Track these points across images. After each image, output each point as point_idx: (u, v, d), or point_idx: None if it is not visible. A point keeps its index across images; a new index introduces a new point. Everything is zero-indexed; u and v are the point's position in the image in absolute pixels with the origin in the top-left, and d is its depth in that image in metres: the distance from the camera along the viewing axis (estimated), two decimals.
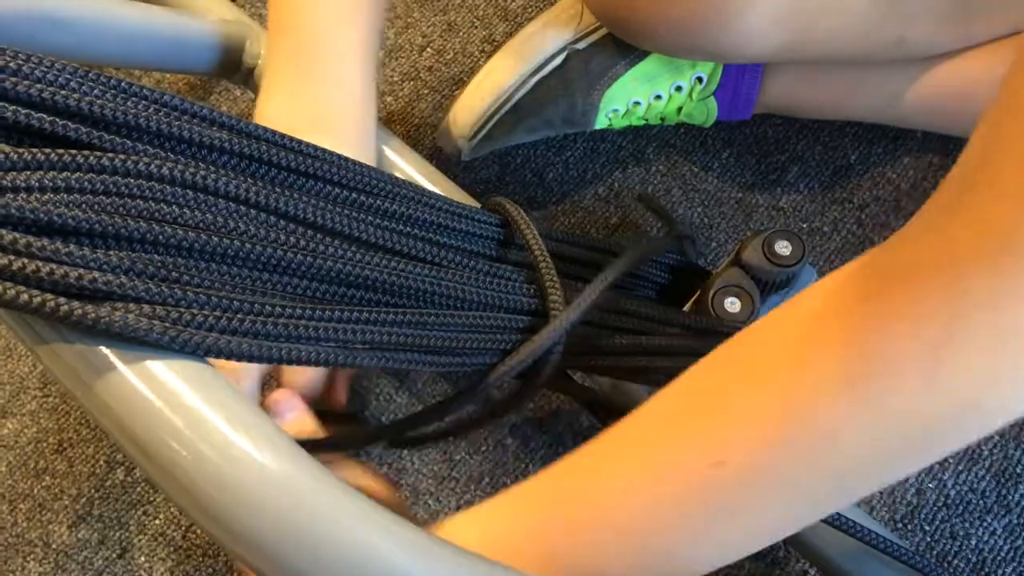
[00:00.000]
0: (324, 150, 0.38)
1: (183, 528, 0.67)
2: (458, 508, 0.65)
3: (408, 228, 0.40)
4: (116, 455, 0.69)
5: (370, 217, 0.38)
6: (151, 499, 0.68)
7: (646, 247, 0.51)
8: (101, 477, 0.69)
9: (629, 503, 0.35)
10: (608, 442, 0.37)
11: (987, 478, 0.63)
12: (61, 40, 0.52)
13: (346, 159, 0.39)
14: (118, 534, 0.67)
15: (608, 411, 0.54)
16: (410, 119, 0.80)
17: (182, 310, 0.29)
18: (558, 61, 0.66)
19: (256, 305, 0.31)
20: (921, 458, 0.33)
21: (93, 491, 0.68)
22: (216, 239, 0.31)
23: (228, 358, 0.29)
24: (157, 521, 0.67)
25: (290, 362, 0.31)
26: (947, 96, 0.63)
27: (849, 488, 0.34)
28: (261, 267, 0.33)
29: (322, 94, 0.48)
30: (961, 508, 0.62)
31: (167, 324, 0.28)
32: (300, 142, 0.37)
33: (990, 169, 0.29)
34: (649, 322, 0.49)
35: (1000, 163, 0.28)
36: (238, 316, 0.30)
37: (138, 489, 0.68)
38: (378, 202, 0.39)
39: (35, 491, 0.69)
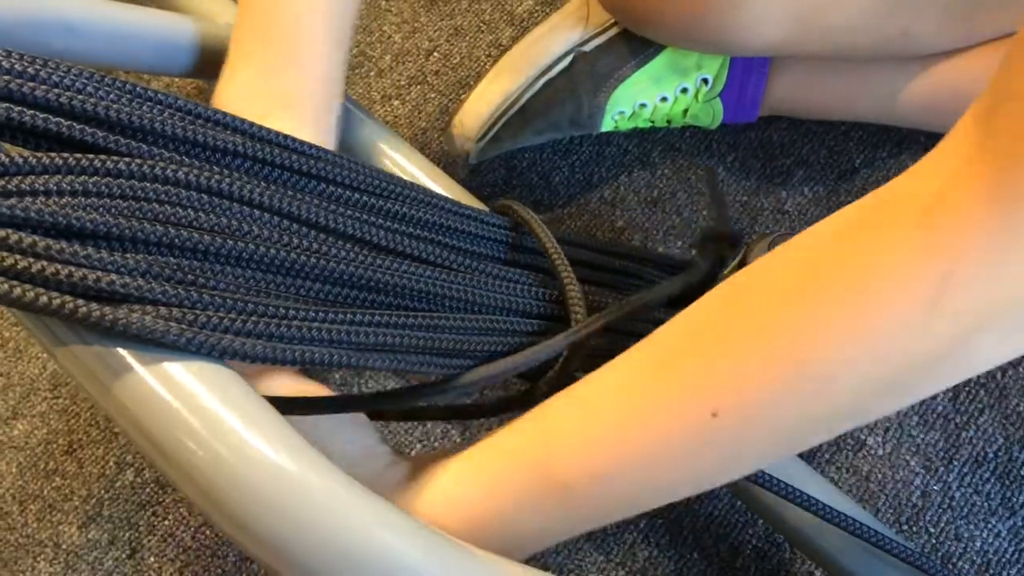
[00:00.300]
0: (334, 153, 0.38)
1: (192, 529, 0.67)
2: None
3: (418, 231, 0.40)
4: (126, 456, 0.70)
5: (380, 220, 0.39)
6: (160, 500, 0.68)
7: (694, 275, 0.51)
8: (111, 478, 0.69)
9: (615, 449, 0.35)
10: (599, 382, 0.37)
11: (992, 480, 0.63)
12: (71, 45, 0.52)
13: (355, 162, 0.39)
14: (128, 535, 0.67)
15: None
16: (417, 123, 0.80)
17: (198, 312, 0.29)
18: (564, 64, 0.66)
19: (270, 308, 0.32)
20: (902, 401, 0.34)
21: (103, 492, 0.69)
22: (231, 242, 0.32)
23: (243, 359, 0.30)
24: (167, 522, 0.68)
25: (303, 364, 0.32)
26: (951, 94, 0.64)
27: (835, 428, 0.34)
28: (275, 270, 0.33)
29: (290, 74, 0.48)
30: (966, 510, 0.63)
31: (184, 326, 0.28)
32: (311, 146, 0.38)
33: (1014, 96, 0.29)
34: (653, 325, 0.49)
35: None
36: (252, 318, 0.31)
37: (147, 490, 0.69)
38: (388, 204, 0.40)
39: (45, 492, 0.70)
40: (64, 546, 0.68)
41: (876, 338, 0.31)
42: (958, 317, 0.30)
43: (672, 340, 0.37)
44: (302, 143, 0.37)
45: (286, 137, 0.37)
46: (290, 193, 0.35)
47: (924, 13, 0.58)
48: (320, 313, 0.33)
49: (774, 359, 0.33)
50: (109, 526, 0.68)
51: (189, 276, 0.30)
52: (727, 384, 0.33)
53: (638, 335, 0.46)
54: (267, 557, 0.28)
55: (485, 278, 0.42)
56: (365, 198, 0.39)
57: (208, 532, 0.67)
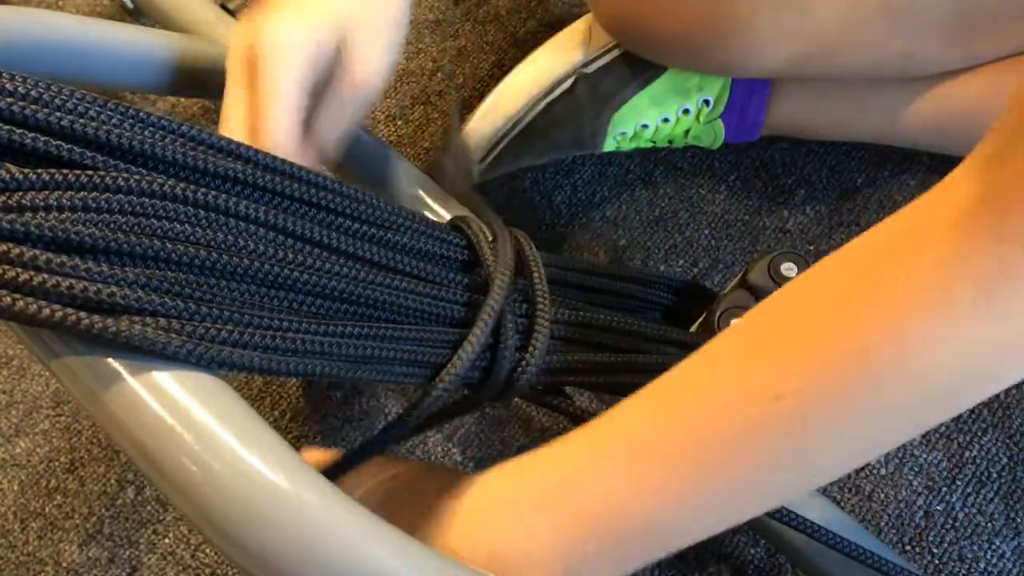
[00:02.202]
0: (335, 181, 0.39)
1: (192, 547, 0.67)
2: None
3: (413, 261, 0.41)
4: (127, 474, 0.70)
5: (375, 247, 0.39)
6: (161, 518, 0.68)
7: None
8: (112, 496, 0.69)
9: (680, 437, 0.35)
10: (658, 386, 0.37)
11: (995, 500, 0.63)
12: (76, 65, 0.53)
13: (355, 190, 0.39)
14: (128, 553, 0.67)
15: None
16: (420, 143, 0.80)
17: (196, 323, 0.29)
18: (567, 85, 0.67)
19: (266, 320, 0.32)
20: (952, 409, 0.34)
21: (104, 510, 0.69)
22: (227, 257, 0.32)
23: (240, 371, 0.30)
24: (167, 540, 0.67)
25: (299, 375, 0.32)
26: (953, 115, 0.64)
27: (892, 437, 0.34)
28: (270, 284, 0.34)
29: None
30: (969, 531, 0.62)
31: (184, 337, 0.29)
32: (312, 172, 0.38)
33: None
34: (643, 341, 0.50)
35: None
36: (249, 330, 0.31)
37: (148, 508, 0.69)
38: (385, 234, 0.40)
39: (46, 510, 0.70)
40: (64, 564, 0.68)
41: (922, 339, 0.32)
42: (1005, 324, 0.31)
43: (721, 345, 0.37)
44: (302, 169, 0.37)
45: (289, 164, 0.37)
46: (286, 212, 0.36)
47: (924, 36, 0.59)
48: (314, 326, 0.34)
49: (817, 371, 0.33)
50: (109, 544, 0.68)
51: (187, 290, 0.31)
52: (788, 381, 0.34)
53: (615, 349, 0.46)
54: (260, 573, 0.28)
55: (469, 296, 0.42)
56: (364, 227, 0.39)
57: (208, 551, 0.67)
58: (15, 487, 0.71)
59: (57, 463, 0.71)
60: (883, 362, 0.32)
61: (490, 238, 0.45)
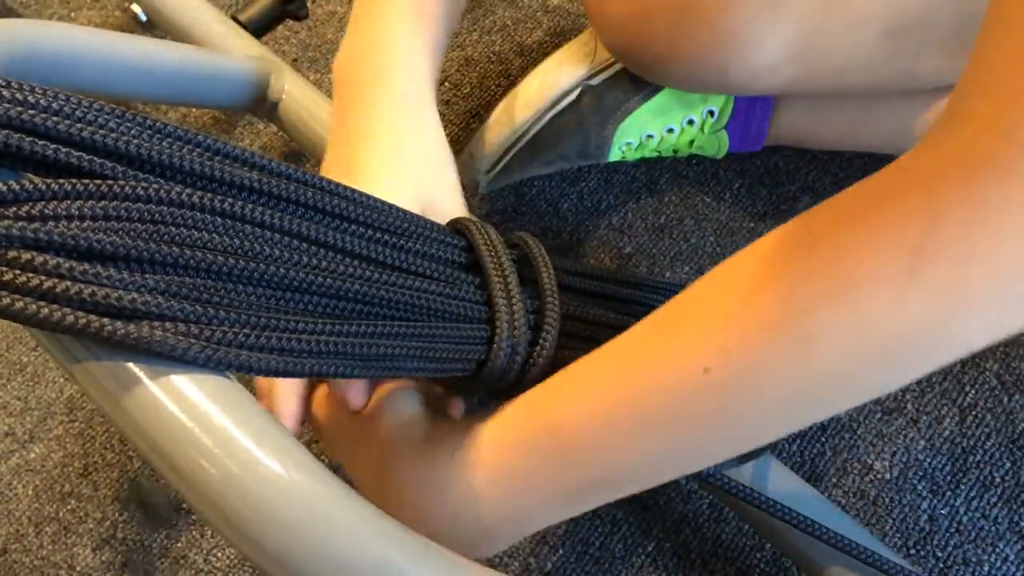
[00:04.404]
0: (347, 188, 0.40)
1: (204, 552, 0.68)
2: None
3: (423, 261, 0.42)
4: (139, 479, 0.71)
5: (386, 249, 0.40)
6: (173, 523, 0.69)
7: None
8: (125, 501, 0.70)
9: (609, 395, 0.37)
10: (603, 347, 0.39)
11: (999, 505, 0.63)
12: (93, 77, 0.54)
13: (369, 197, 0.40)
14: (141, 557, 0.68)
15: None
16: None
17: (214, 328, 0.30)
18: (572, 97, 0.68)
19: (282, 322, 0.33)
20: (891, 375, 0.34)
21: (117, 515, 0.70)
22: (243, 262, 0.33)
23: (258, 373, 0.31)
24: (179, 544, 0.68)
25: (314, 375, 0.33)
26: None
27: (822, 400, 0.35)
28: (286, 287, 0.34)
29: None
30: (973, 535, 0.63)
31: (202, 342, 0.29)
32: (327, 181, 0.39)
33: (979, 84, 0.31)
34: None
35: (992, 72, 0.30)
36: (265, 333, 0.32)
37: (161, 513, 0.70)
38: (402, 242, 0.41)
39: (60, 514, 0.71)
40: (79, 568, 0.69)
41: (853, 303, 0.32)
42: (935, 290, 0.31)
43: (671, 305, 0.38)
44: (317, 177, 0.38)
45: (301, 172, 0.38)
46: (300, 218, 0.37)
47: (926, 55, 0.59)
48: (329, 326, 0.35)
49: (756, 321, 0.34)
50: (123, 548, 0.69)
51: (205, 295, 0.31)
52: (716, 343, 0.35)
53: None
54: (278, 574, 0.28)
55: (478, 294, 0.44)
56: (379, 235, 0.40)
57: (220, 555, 0.68)
58: (30, 492, 0.72)
59: (71, 468, 0.72)
60: (815, 326, 0.33)
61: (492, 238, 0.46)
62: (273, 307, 0.34)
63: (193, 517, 0.69)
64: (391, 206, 0.41)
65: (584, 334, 0.47)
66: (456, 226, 0.46)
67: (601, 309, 0.50)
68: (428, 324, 0.40)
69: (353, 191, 0.40)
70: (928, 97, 0.65)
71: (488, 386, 0.44)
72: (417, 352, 0.39)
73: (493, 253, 0.44)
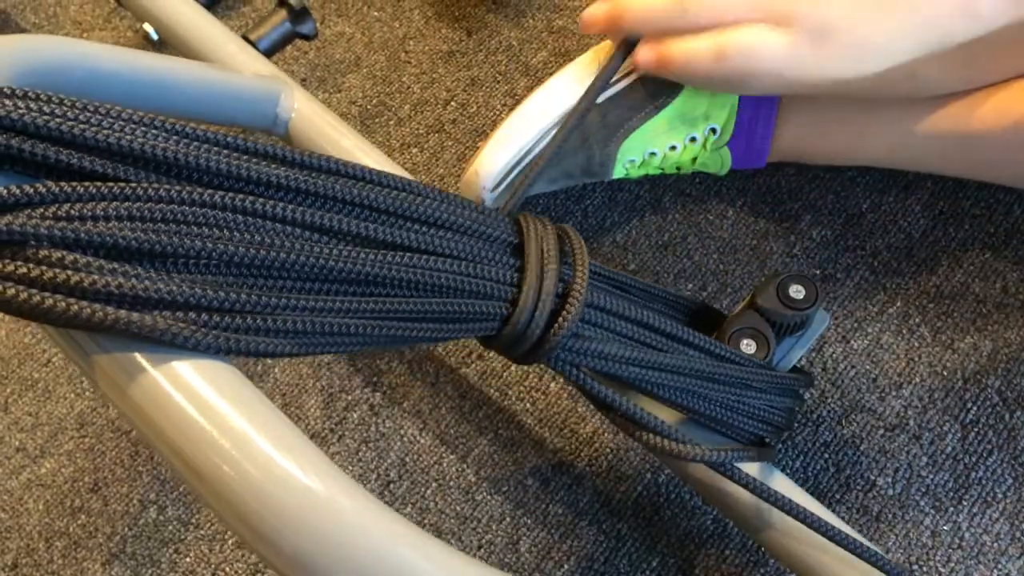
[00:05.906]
0: (376, 172, 0.42)
1: (213, 567, 0.68)
2: (479, 548, 0.66)
3: (443, 233, 0.44)
4: (149, 494, 0.72)
5: (412, 235, 0.42)
6: (183, 538, 0.70)
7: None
8: (134, 516, 0.71)
9: None
10: None
11: (1001, 520, 0.64)
12: (108, 92, 0.55)
13: (402, 181, 0.42)
14: (150, 572, 0.69)
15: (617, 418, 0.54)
16: (435, 169, 0.83)
17: (235, 315, 0.32)
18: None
19: (300, 303, 0.35)
20: None
21: (126, 529, 0.70)
22: (264, 252, 0.34)
23: (272, 357, 0.33)
24: (188, 559, 0.69)
25: (326, 352, 0.36)
26: (957, 139, 0.65)
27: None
28: (303, 276, 0.36)
29: None
30: (976, 550, 0.63)
31: (218, 331, 0.31)
32: (344, 163, 0.41)
33: None
34: (667, 339, 0.51)
35: None
36: (282, 316, 0.34)
37: (170, 528, 0.70)
38: (428, 229, 0.43)
39: (71, 529, 0.71)
40: None
41: None
42: None
43: None
44: (333, 161, 0.40)
45: (317, 157, 0.39)
46: (320, 209, 0.39)
47: (928, 57, 0.60)
48: (338, 303, 0.37)
49: None
50: (132, 563, 0.69)
51: (223, 291, 0.33)
52: None
53: (643, 343, 0.48)
54: (294, 575, 0.29)
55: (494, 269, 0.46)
56: (402, 221, 0.42)
57: (228, 569, 0.68)
58: (40, 507, 0.72)
59: (81, 483, 0.73)
60: None
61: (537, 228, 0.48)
62: (287, 292, 0.36)
63: (202, 532, 0.70)
64: (429, 188, 0.44)
65: (605, 324, 0.48)
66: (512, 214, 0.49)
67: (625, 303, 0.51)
68: (449, 300, 0.42)
69: (383, 175, 0.42)
70: (926, 106, 0.66)
71: (507, 347, 0.46)
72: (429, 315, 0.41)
73: (538, 225, 0.47)
